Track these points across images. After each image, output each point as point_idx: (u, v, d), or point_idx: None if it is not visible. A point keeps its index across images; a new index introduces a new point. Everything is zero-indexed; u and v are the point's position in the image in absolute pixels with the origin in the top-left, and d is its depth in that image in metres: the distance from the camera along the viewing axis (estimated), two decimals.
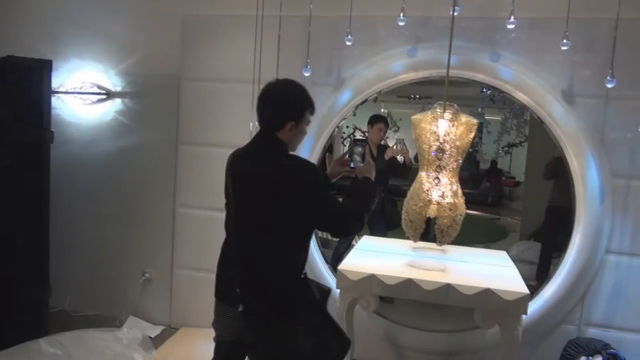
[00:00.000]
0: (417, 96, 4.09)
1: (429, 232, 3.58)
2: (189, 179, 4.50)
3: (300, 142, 2.55)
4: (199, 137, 4.45)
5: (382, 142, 4.28)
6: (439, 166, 3.44)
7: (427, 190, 3.40)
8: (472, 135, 3.46)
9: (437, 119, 3.43)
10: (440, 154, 3.44)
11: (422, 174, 3.44)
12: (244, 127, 4.06)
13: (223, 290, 2.75)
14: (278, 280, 2.35)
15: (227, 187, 2.51)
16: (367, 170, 2.64)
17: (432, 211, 3.47)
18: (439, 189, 3.44)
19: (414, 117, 3.51)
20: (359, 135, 3.37)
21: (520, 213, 4.41)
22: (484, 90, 3.90)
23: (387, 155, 4.16)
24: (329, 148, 4.10)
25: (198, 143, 4.46)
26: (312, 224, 2.36)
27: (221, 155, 4.49)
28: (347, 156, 2.72)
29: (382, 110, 4.31)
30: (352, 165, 2.67)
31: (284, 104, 2.46)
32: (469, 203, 3.68)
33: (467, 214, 3.43)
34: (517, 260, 3.81)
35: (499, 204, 4.47)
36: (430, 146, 3.43)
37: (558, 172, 3.75)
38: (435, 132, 3.43)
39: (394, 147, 3.60)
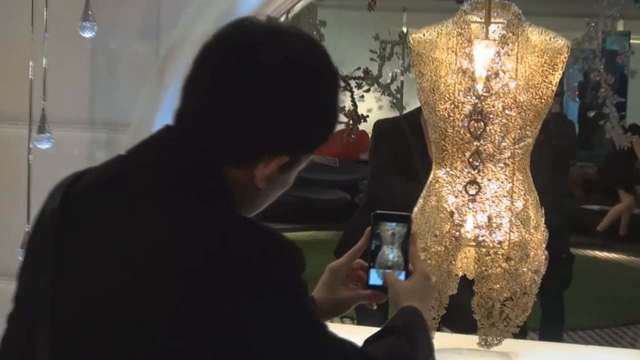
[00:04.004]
0: None
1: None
2: None
3: (273, 199, 1.07)
4: None
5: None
6: (476, 152, 1.73)
7: (452, 212, 1.72)
8: (557, 74, 1.75)
9: (469, 41, 1.75)
10: (480, 125, 1.73)
11: (440, 174, 1.77)
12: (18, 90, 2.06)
13: None
14: None
15: (32, 263, 1.01)
16: (415, 291, 1.17)
17: (465, 265, 1.74)
18: (480, 209, 1.72)
19: (415, 35, 1.83)
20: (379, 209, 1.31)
21: None
22: None
23: None
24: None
25: None
26: None
27: None
28: (360, 255, 1.21)
29: (404, 21, 2.89)
30: (370, 280, 1.17)
31: (282, 109, 0.91)
32: (596, 235, 2.67)
33: (594, 260, 2.53)
34: None
35: None
36: (457, 105, 1.75)
37: None
38: (466, 71, 1.74)
39: None
